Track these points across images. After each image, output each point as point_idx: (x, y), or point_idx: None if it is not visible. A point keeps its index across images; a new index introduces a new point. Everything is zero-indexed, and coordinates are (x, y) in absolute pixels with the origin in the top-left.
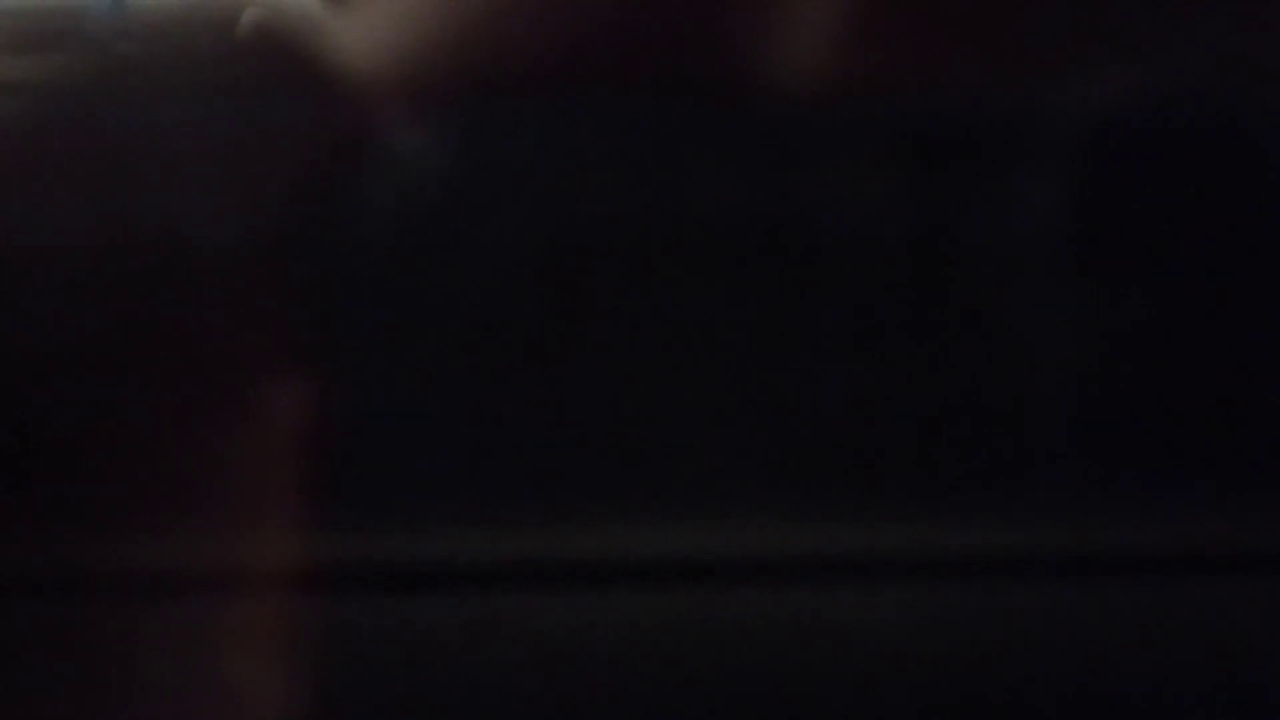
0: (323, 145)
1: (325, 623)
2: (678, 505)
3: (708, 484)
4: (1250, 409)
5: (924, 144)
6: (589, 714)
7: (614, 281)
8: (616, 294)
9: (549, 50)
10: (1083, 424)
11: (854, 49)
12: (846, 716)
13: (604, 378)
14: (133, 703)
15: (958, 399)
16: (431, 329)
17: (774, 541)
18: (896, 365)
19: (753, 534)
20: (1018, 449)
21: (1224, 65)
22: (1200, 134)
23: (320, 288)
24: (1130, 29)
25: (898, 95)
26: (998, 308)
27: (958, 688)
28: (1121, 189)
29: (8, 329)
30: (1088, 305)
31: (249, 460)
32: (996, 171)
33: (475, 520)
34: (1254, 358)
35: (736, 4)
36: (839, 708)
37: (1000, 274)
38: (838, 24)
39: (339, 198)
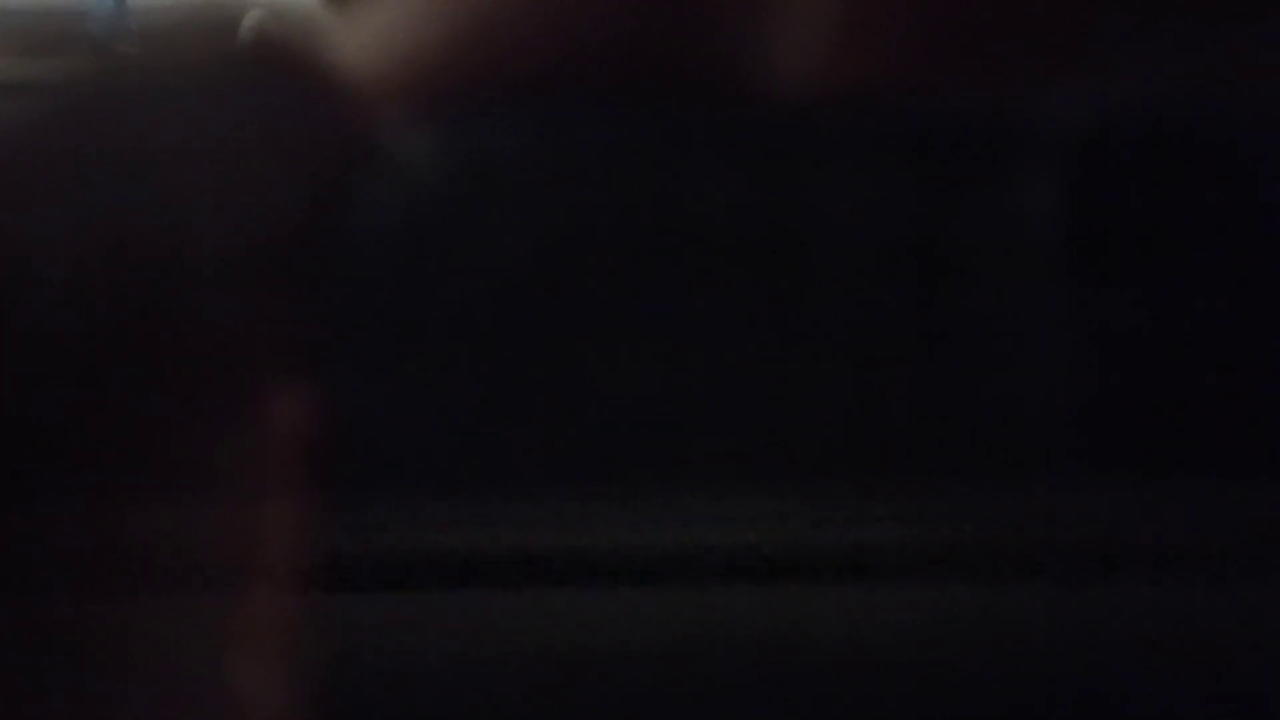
0: (325, 149)
1: (323, 619)
2: (675, 502)
3: (706, 480)
4: (1251, 409)
5: (924, 149)
6: (590, 713)
7: (616, 286)
8: (619, 298)
9: (551, 55)
10: (1082, 426)
11: (854, 54)
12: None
13: (604, 380)
14: (127, 703)
15: (955, 401)
16: (435, 331)
17: (773, 538)
18: (894, 370)
19: (751, 531)
20: (1016, 451)
21: (1222, 71)
22: (1199, 139)
23: (323, 293)
24: (1129, 33)
25: (898, 101)
26: (999, 314)
27: (955, 693)
28: (1125, 194)
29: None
30: (1087, 310)
31: (247, 457)
32: (997, 177)
33: (474, 516)
34: (1254, 359)
35: (736, 9)
36: (836, 710)
37: (1002, 279)
38: (838, 29)
39: (342, 201)
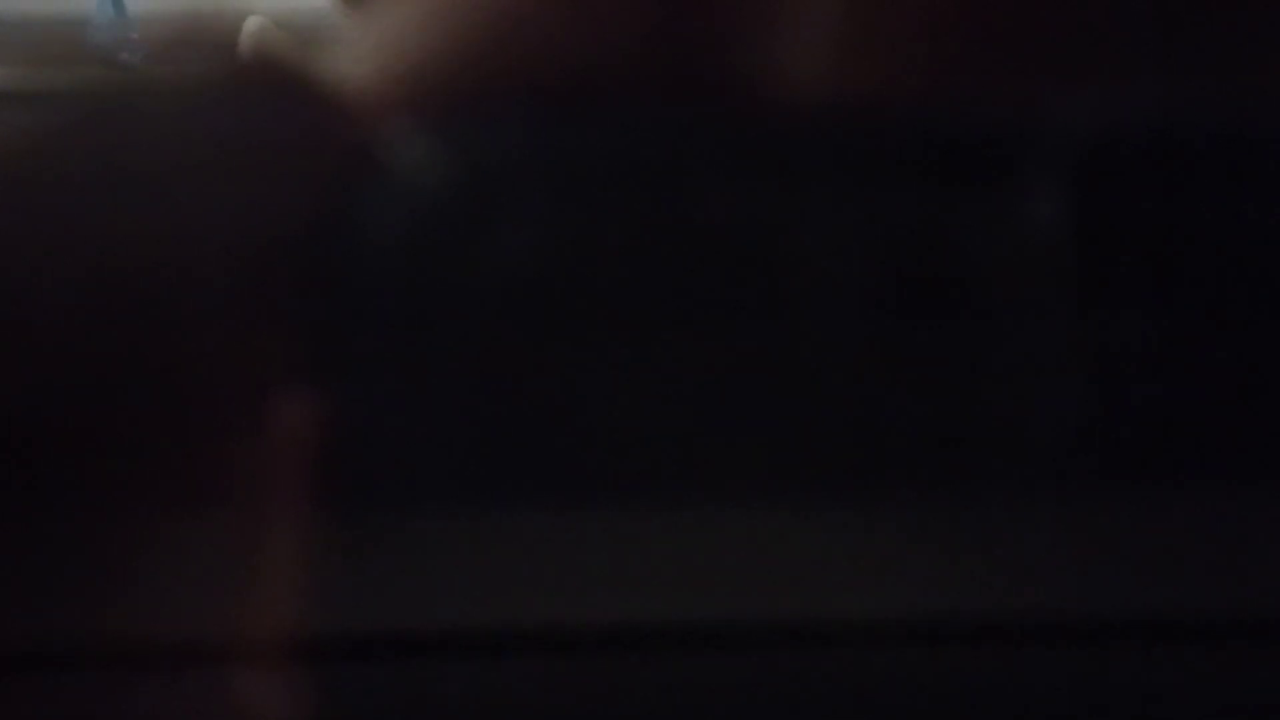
0: (327, 158)
1: (324, 689)
2: (673, 572)
3: (706, 553)
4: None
5: (929, 157)
6: None
7: (620, 306)
8: (621, 322)
9: (555, 63)
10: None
11: (859, 62)
12: None
13: (608, 406)
14: None
15: (956, 422)
16: (439, 344)
17: (784, 605)
18: (894, 388)
19: (755, 599)
20: (1022, 494)
21: (1229, 79)
22: (1207, 149)
23: (323, 305)
24: (1136, 41)
25: (903, 109)
26: (1008, 338)
27: None
28: (1131, 205)
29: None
30: (1097, 331)
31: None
32: (1002, 186)
33: (480, 584)
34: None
35: (743, 16)
36: None
37: (1009, 299)
38: (843, 36)
39: (342, 211)
